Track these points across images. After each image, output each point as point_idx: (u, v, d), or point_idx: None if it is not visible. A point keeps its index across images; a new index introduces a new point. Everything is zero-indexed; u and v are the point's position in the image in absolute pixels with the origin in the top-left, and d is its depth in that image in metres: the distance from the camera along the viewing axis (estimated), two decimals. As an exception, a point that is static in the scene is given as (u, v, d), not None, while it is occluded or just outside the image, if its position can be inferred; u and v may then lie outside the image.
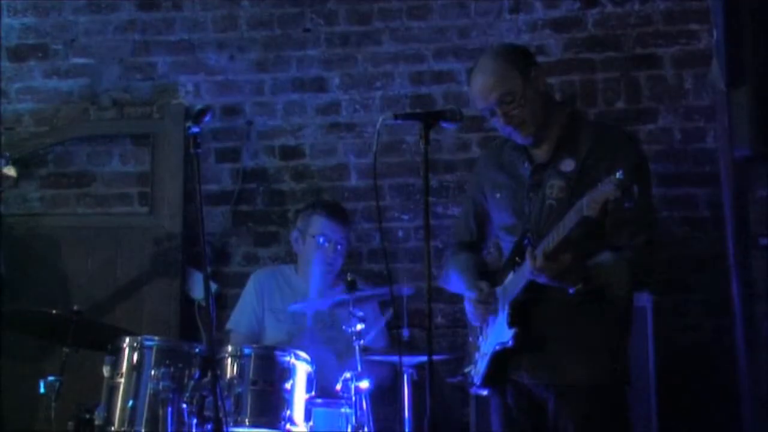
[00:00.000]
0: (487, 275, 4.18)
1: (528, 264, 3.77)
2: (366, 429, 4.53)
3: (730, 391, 5.16)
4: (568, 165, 3.97)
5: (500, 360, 4.02)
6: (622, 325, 4.05)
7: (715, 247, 5.34)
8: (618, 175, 3.46)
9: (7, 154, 4.72)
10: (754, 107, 4.53)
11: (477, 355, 4.15)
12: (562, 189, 3.93)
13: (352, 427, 4.53)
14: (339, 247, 5.38)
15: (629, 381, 4.05)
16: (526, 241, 3.93)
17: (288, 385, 4.50)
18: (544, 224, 3.91)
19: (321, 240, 5.36)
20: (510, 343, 3.92)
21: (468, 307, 4.19)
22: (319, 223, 5.39)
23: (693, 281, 5.43)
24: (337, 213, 5.44)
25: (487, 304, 4.09)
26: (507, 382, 4.08)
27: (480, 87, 4.04)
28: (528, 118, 4.00)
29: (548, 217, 3.91)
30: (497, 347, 3.99)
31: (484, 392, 4.18)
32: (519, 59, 4.07)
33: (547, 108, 4.07)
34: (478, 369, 4.12)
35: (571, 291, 3.79)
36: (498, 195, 4.19)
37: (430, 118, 3.87)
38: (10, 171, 4.61)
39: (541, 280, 3.77)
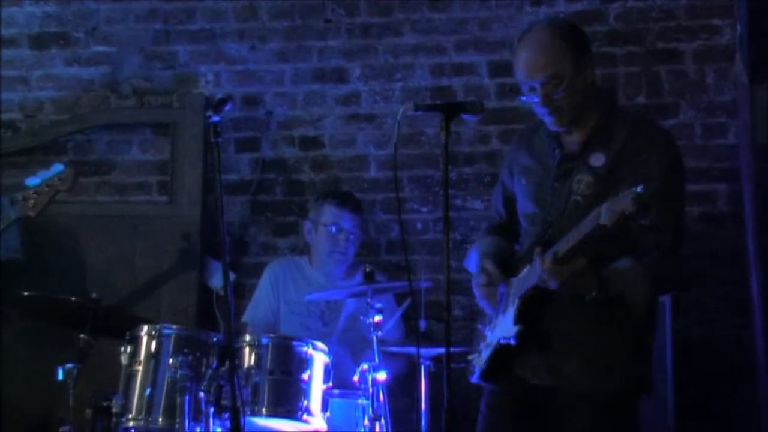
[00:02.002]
0: (512, 262, 4.01)
1: (537, 266, 3.61)
2: (383, 420, 4.53)
3: (748, 386, 5.16)
4: (597, 159, 3.79)
5: (504, 354, 3.87)
6: (640, 333, 3.86)
7: (735, 243, 5.34)
8: (638, 189, 3.25)
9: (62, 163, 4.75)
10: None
11: (482, 344, 4.02)
12: (590, 185, 3.75)
13: (369, 418, 4.54)
14: (351, 236, 5.39)
15: (646, 390, 3.88)
16: (546, 238, 3.78)
17: (305, 376, 4.50)
18: (566, 221, 3.73)
19: (332, 229, 5.37)
20: (512, 341, 3.76)
21: (474, 287, 4.03)
22: (330, 213, 5.40)
23: (712, 277, 5.40)
24: (347, 201, 5.44)
25: (488, 287, 3.96)
26: (509, 377, 3.92)
27: (527, 61, 3.81)
28: (566, 107, 3.80)
29: (573, 214, 3.72)
30: (502, 341, 3.83)
31: (484, 384, 4.04)
32: (577, 41, 3.83)
33: (588, 96, 3.86)
34: (481, 359, 3.99)
35: (585, 298, 3.62)
36: (524, 181, 4.03)
37: (451, 110, 3.73)
38: (69, 175, 4.64)
39: (551, 285, 3.59)
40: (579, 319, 3.75)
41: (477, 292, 4.02)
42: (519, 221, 4.11)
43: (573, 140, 3.90)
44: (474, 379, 4.04)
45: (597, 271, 3.57)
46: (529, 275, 3.76)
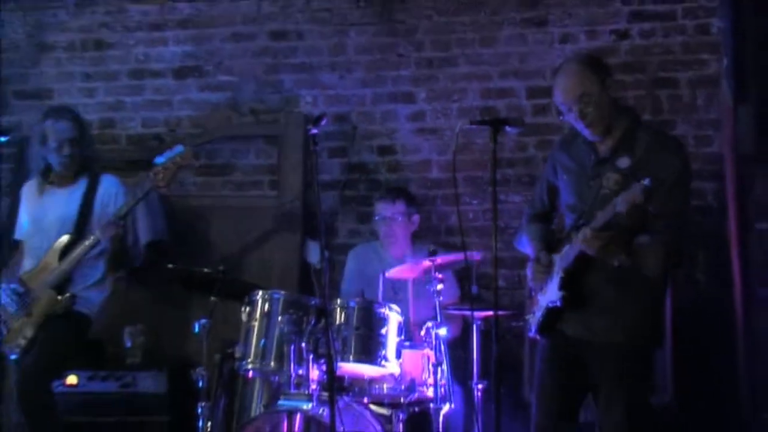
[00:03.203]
0: (553, 242, 4.07)
1: (579, 239, 3.70)
2: (443, 366, 4.51)
3: (730, 342, 5.11)
4: (623, 162, 3.81)
5: (552, 314, 3.91)
6: (655, 298, 3.91)
7: (720, 230, 5.26)
8: (645, 182, 3.40)
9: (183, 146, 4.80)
10: (756, 119, 4.46)
11: (535, 307, 4.05)
12: (617, 182, 3.75)
13: (432, 364, 4.52)
14: (398, 218, 5.34)
15: (659, 343, 3.95)
16: (581, 222, 3.82)
17: (383, 331, 4.49)
18: (597, 209, 3.75)
19: (378, 217, 5.38)
20: (558, 303, 3.83)
21: (528, 270, 4.11)
22: (377, 207, 5.42)
23: (702, 257, 5.31)
24: (387, 194, 5.44)
25: (541, 272, 4.00)
26: (555, 332, 3.96)
27: (564, 86, 3.86)
28: (597, 119, 3.84)
29: (601, 204, 3.73)
30: (549, 304, 3.89)
31: (537, 337, 4.08)
32: (599, 67, 3.91)
33: (613, 111, 3.90)
34: (536, 318, 4.02)
35: (615, 263, 3.68)
36: (566, 177, 4.03)
37: (498, 124, 3.84)
38: (188, 153, 4.70)
39: (589, 252, 3.69)
40: (607, 286, 3.79)
41: (531, 272, 4.07)
42: (560, 210, 4.14)
43: (604, 147, 3.92)
44: (531, 333, 4.09)
45: (624, 243, 3.65)
46: (571, 250, 3.82)
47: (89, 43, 6.19)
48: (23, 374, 4.63)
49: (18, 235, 4.98)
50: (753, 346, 4.99)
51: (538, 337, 4.07)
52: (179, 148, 4.70)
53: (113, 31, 6.16)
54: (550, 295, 3.92)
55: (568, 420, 3.93)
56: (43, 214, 4.85)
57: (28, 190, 5.00)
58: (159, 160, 4.68)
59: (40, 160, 4.89)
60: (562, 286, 3.82)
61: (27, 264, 4.85)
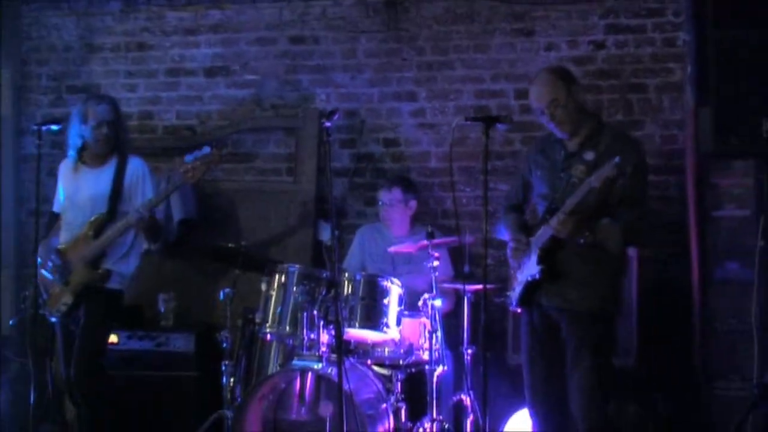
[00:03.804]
0: (527, 228, 4.11)
1: (553, 223, 3.77)
2: (438, 333, 4.51)
3: (687, 317, 5.10)
4: (589, 155, 3.87)
5: (530, 288, 3.95)
6: (617, 270, 3.98)
7: (681, 217, 5.23)
8: (616, 160, 3.51)
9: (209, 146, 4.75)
10: (715, 120, 4.45)
11: (515, 283, 4.08)
12: (583, 171, 3.82)
13: (428, 331, 4.51)
14: (395, 204, 5.29)
15: (618, 311, 4.02)
16: (554, 206, 3.87)
17: (386, 301, 4.50)
18: (566, 194, 3.83)
19: (379, 203, 5.35)
20: (537, 276, 3.88)
21: (508, 250, 4.13)
22: (378, 193, 5.39)
23: (665, 240, 5.26)
24: (386, 183, 5.39)
25: (521, 251, 4.04)
26: (534, 305, 4.01)
27: (536, 93, 3.97)
28: (566, 120, 3.92)
29: (570, 189, 3.82)
30: (529, 278, 3.93)
31: (518, 310, 4.12)
32: (566, 77, 3.99)
33: (580, 114, 3.97)
34: (515, 293, 4.06)
35: (580, 241, 3.75)
36: (539, 172, 4.08)
37: (489, 121, 3.89)
38: (215, 155, 4.65)
39: (561, 235, 3.76)
40: (580, 263, 3.86)
41: (511, 253, 4.11)
42: (533, 200, 4.18)
43: (573, 144, 3.98)
44: (512, 307, 4.13)
45: (589, 225, 3.75)
46: (545, 231, 3.88)
47: (132, 45, 6.14)
48: (77, 364, 4.51)
49: (56, 208, 4.89)
50: (707, 321, 4.99)
51: (518, 310, 4.10)
52: (206, 149, 4.63)
53: (153, 35, 6.12)
54: (529, 270, 3.95)
55: (555, 380, 3.98)
56: (78, 191, 4.71)
57: (64, 168, 4.83)
58: (188, 158, 4.61)
59: (77, 138, 4.76)
60: (540, 261, 3.87)
61: (63, 237, 4.73)
